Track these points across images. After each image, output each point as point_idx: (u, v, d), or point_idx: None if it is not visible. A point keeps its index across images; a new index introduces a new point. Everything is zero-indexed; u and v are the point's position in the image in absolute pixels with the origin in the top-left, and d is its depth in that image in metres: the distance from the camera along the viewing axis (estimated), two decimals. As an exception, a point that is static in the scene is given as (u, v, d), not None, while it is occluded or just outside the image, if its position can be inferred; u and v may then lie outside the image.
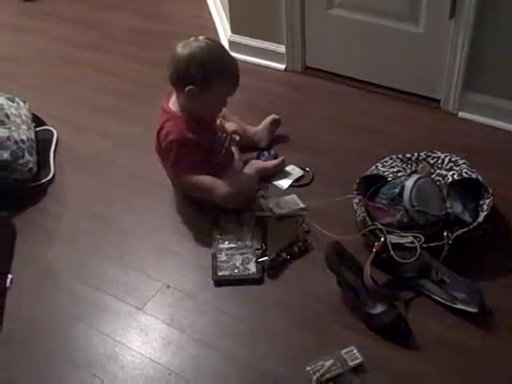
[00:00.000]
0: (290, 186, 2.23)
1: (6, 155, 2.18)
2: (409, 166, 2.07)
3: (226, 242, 2.04)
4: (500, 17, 2.16)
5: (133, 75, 2.87)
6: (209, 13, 3.22)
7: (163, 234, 2.11)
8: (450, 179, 1.97)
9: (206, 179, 2.05)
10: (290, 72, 2.79)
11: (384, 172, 2.04)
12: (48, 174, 2.35)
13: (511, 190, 2.09)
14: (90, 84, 2.85)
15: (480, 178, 1.94)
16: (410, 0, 2.34)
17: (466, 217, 1.91)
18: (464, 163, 2.00)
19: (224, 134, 2.15)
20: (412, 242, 1.82)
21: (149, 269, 2.00)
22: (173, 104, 2.04)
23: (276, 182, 2.25)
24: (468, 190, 1.96)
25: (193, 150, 2.01)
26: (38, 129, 2.50)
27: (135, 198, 2.24)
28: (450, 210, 1.90)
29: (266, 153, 2.35)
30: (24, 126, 2.34)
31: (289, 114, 2.53)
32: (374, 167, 2.07)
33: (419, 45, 2.42)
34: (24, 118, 2.39)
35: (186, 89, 1.92)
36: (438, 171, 2.04)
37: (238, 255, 2.00)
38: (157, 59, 2.88)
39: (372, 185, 2.02)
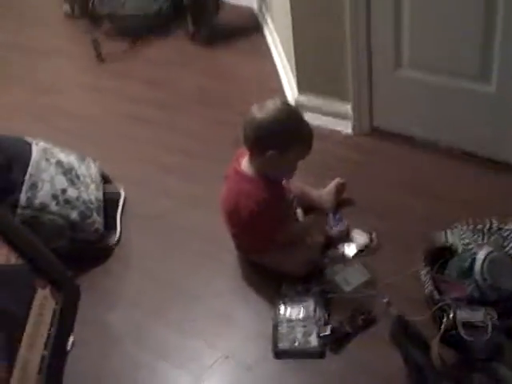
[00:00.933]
0: (356, 253, 2.18)
1: (74, 215, 2.23)
2: (479, 238, 1.97)
3: (288, 313, 1.99)
4: None
5: (200, 135, 2.91)
6: (275, 72, 3.24)
7: (226, 299, 2.09)
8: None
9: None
10: (356, 133, 2.75)
11: (453, 243, 1.95)
12: (114, 235, 2.38)
13: None
14: (158, 142, 2.90)
15: None
16: (482, 59, 2.26)
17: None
18: None
19: (292, 195, 2.15)
20: (483, 321, 1.73)
21: (209, 336, 1.97)
22: (245, 166, 2.03)
23: (342, 250, 2.19)
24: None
25: (277, 209, 2.01)
26: (106, 190, 2.54)
27: (200, 262, 2.24)
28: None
29: (331, 215, 2.30)
30: (93, 186, 2.40)
31: (354, 177, 2.48)
32: (443, 236, 1.98)
33: (492, 105, 2.34)
34: (93, 177, 2.45)
35: (268, 154, 1.91)
36: (510, 245, 1.94)
37: (299, 327, 1.94)
38: (223, 119, 2.93)
39: (440, 256, 1.94)
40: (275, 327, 1.95)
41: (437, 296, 1.81)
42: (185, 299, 2.11)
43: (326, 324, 1.92)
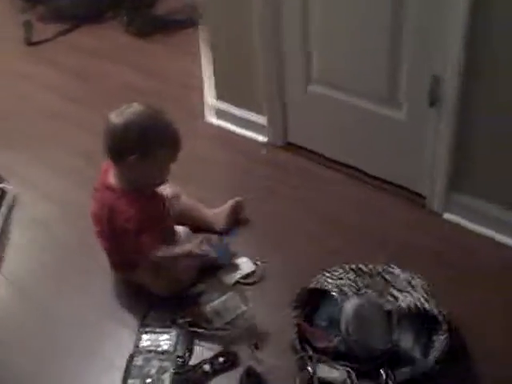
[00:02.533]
0: (237, 282, 2.02)
1: None
2: (361, 280, 1.82)
3: (148, 343, 1.83)
4: (482, 107, 1.92)
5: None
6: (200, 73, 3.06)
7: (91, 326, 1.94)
8: (403, 306, 1.69)
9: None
10: (271, 146, 2.59)
11: (329, 285, 1.80)
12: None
13: (485, 321, 1.81)
14: (61, 141, 2.74)
15: (435, 310, 1.66)
16: (388, 81, 2.10)
17: (417, 354, 1.65)
18: (422, 287, 1.73)
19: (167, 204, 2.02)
20: (344, 381, 1.58)
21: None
22: (114, 180, 1.88)
23: (222, 276, 2.03)
24: (423, 320, 1.70)
25: (151, 223, 1.85)
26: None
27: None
28: (397, 344, 1.64)
29: (218, 237, 2.07)
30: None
31: (260, 193, 2.34)
32: (320, 276, 1.82)
33: (402, 133, 2.18)
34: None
35: (128, 160, 1.78)
36: (391, 290, 1.77)
37: (156, 361, 1.78)
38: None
39: (314, 299, 1.78)
40: (131, 358, 1.79)
41: (297, 346, 1.67)
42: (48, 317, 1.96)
43: (184, 362, 1.77)
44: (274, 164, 2.52)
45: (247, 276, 2.03)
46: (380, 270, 1.82)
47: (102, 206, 1.89)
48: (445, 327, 1.63)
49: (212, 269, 2.03)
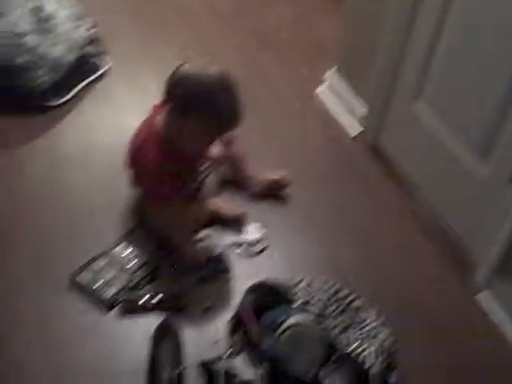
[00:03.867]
0: (234, 246, 1.94)
1: (20, 60, 2.19)
2: (332, 305, 1.66)
3: (123, 251, 1.85)
4: None
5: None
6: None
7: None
8: (348, 350, 1.53)
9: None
10: (357, 141, 2.41)
11: (300, 292, 1.66)
12: (59, 99, 2.32)
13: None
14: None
15: (375, 369, 1.48)
16: (486, 133, 1.83)
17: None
18: (383, 343, 1.55)
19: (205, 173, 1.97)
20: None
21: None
22: (160, 121, 1.80)
23: (224, 235, 1.96)
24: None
25: (169, 178, 1.79)
26: (87, 55, 2.46)
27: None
28: (321, 382, 1.50)
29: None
30: (62, 47, 2.30)
31: (316, 181, 2.22)
32: (298, 279, 1.70)
33: (479, 189, 1.91)
34: (73, 39, 2.35)
35: (170, 107, 1.73)
36: (352, 332, 1.61)
37: (114, 270, 1.80)
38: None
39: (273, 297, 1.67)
40: (96, 257, 1.82)
41: (230, 327, 1.60)
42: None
43: (134, 288, 1.77)
44: (350, 159, 2.35)
45: (250, 243, 1.94)
46: (359, 305, 1.66)
47: (137, 136, 1.86)
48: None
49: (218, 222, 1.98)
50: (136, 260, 1.83)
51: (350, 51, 2.45)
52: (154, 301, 1.72)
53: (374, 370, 1.47)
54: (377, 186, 2.24)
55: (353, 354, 1.51)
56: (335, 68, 2.55)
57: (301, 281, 1.70)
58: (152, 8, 2.97)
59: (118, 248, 1.86)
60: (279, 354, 1.49)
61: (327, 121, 2.50)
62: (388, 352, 1.53)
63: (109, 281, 1.77)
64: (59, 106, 2.32)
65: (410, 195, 2.19)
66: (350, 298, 1.66)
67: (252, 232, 1.98)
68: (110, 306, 1.72)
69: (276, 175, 2.11)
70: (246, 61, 2.72)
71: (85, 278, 1.77)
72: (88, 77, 2.42)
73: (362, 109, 2.39)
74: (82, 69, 2.42)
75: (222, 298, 1.77)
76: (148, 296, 1.73)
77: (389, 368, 1.51)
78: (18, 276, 1.79)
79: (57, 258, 1.85)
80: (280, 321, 1.55)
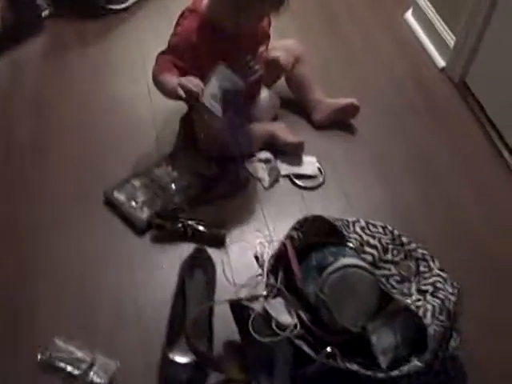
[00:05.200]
0: (288, 177, 1.74)
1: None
2: (392, 252, 1.44)
3: (160, 171, 1.68)
4: None
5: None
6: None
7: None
8: (406, 305, 1.31)
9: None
10: (444, 75, 2.12)
11: (353, 234, 1.44)
12: (121, 3, 2.14)
13: None
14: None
15: (432, 331, 1.24)
16: None
17: (382, 361, 1.28)
18: (443, 303, 1.30)
19: (253, 64, 1.68)
20: (286, 326, 1.29)
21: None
22: (204, 3, 1.61)
23: (279, 163, 1.76)
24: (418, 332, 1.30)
25: (192, 59, 1.58)
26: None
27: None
28: (368, 335, 1.29)
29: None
30: None
31: (389, 113, 1.96)
32: (352, 221, 1.47)
33: None
34: None
35: None
36: (416, 281, 1.38)
37: (150, 191, 1.63)
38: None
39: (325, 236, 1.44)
40: (134, 175, 1.66)
41: (269, 264, 1.40)
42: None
43: (171, 212, 1.59)
44: (433, 92, 2.06)
45: (304, 177, 1.74)
46: (420, 256, 1.42)
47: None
48: (428, 357, 1.24)
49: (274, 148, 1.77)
50: (176, 183, 1.66)
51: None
52: (190, 229, 1.55)
53: (434, 331, 1.25)
54: (459, 126, 1.96)
55: (410, 308, 1.29)
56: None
57: (357, 221, 1.47)
58: None
59: (157, 169, 1.69)
60: (324, 297, 1.29)
61: (414, 48, 2.21)
62: (451, 312, 1.30)
63: (145, 201, 1.61)
64: (119, 11, 2.15)
65: (496, 141, 1.91)
66: (411, 246, 1.42)
67: (308, 165, 1.77)
68: (143, 228, 1.57)
69: (346, 100, 1.86)
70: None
71: (121, 195, 1.61)
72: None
73: (451, 40, 2.08)
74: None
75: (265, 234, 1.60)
76: (185, 223, 1.57)
77: (451, 331, 1.29)
78: (55, 185, 1.67)
79: (95, 171, 1.70)
80: (329, 261, 1.34)
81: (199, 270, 1.42)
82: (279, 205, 1.67)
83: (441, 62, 2.12)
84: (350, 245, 1.40)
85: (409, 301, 1.32)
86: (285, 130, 1.79)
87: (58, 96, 1.89)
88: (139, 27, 2.14)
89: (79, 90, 1.92)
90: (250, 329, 1.28)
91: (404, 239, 1.45)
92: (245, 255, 1.54)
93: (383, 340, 1.30)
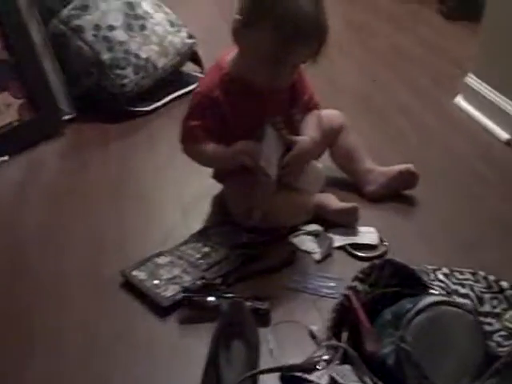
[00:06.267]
0: (343, 248, 1.43)
1: (106, 56, 1.95)
2: (491, 301, 1.08)
3: (190, 250, 1.40)
4: None
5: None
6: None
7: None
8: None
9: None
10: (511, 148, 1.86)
11: (436, 282, 1.10)
12: (149, 105, 2.03)
13: None
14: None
15: None
16: None
17: None
18: None
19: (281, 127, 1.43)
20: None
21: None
22: (230, 56, 1.46)
23: (331, 233, 1.46)
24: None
25: (217, 116, 1.42)
26: (183, 68, 2.22)
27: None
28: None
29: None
30: (157, 48, 2.05)
31: (458, 188, 1.68)
32: (435, 267, 1.13)
33: None
34: (169, 43, 2.09)
35: (233, 20, 1.35)
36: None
37: (178, 269, 1.35)
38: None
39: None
40: (157, 254, 1.39)
41: (329, 331, 1.05)
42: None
43: (208, 285, 1.28)
44: (502, 165, 1.79)
45: (365, 247, 1.42)
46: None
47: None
48: None
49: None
50: (207, 259, 1.37)
51: (490, 52, 1.99)
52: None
53: None
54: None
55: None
56: (472, 74, 2.07)
57: (438, 269, 1.14)
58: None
59: (185, 246, 1.42)
60: (408, 347, 0.93)
61: (471, 127, 1.99)
62: None
63: (171, 278, 1.32)
64: (145, 113, 2.03)
65: None
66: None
67: (366, 234, 1.47)
68: (168, 307, 1.26)
69: (401, 166, 1.60)
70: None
71: (141, 273, 1.33)
72: (181, 88, 2.12)
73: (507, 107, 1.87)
74: (176, 78, 2.16)
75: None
76: (219, 296, 1.25)
77: None
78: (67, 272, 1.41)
79: (113, 254, 1.44)
80: (409, 308, 1.00)
81: (238, 339, 1.08)
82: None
83: (504, 135, 1.89)
84: (434, 292, 1.06)
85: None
86: (334, 199, 1.52)
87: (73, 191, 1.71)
88: (165, 127, 1.99)
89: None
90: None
91: (504, 284, 1.10)
92: (295, 334, 1.20)
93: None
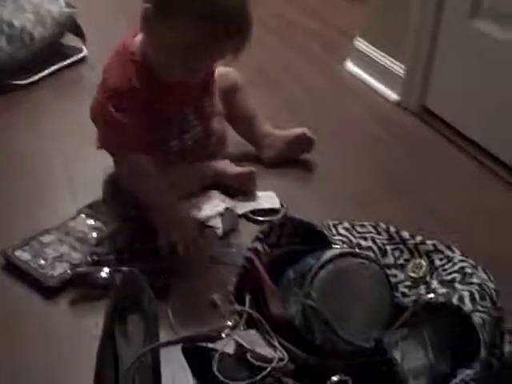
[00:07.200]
0: (246, 215, 1.37)
1: None
2: (393, 251, 1.07)
3: (77, 225, 1.29)
4: None
5: None
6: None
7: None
8: (440, 294, 0.92)
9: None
10: (401, 108, 1.89)
11: (337, 236, 1.07)
12: (25, 79, 1.87)
13: None
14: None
15: (477, 317, 0.85)
16: None
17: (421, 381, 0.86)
18: (482, 284, 0.93)
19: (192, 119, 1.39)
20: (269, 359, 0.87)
21: None
22: (137, 39, 1.31)
23: (228, 202, 1.40)
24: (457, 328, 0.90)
25: (139, 108, 1.27)
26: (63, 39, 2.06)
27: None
28: (386, 352, 0.87)
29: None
30: (31, 16, 1.89)
31: (351, 148, 1.68)
32: (336, 222, 1.11)
33: None
34: (45, 13, 1.93)
35: (144, 7, 1.21)
36: (429, 279, 1.00)
37: (66, 246, 1.23)
38: None
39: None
40: (43, 232, 1.26)
41: (231, 295, 0.99)
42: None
43: (99, 261, 1.19)
44: (392, 128, 1.80)
45: (264, 212, 1.38)
46: (431, 248, 1.06)
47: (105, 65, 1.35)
48: (483, 355, 0.82)
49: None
50: (96, 233, 1.27)
51: (377, 15, 2.00)
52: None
53: (480, 318, 0.85)
54: (430, 148, 1.71)
55: (438, 302, 0.90)
56: (360, 37, 2.07)
57: (339, 223, 1.11)
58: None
59: (72, 222, 1.30)
60: (314, 304, 0.89)
61: (362, 90, 2.01)
62: (494, 300, 0.91)
63: (58, 256, 1.21)
64: (23, 86, 1.85)
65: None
66: (416, 240, 1.06)
67: (266, 198, 1.42)
68: (57, 287, 1.15)
69: (297, 131, 1.56)
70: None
71: (25, 253, 1.21)
72: (61, 61, 1.97)
73: (400, 70, 1.89)
74: (56, 50, 2.00)
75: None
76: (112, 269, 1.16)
77: (497, 322, 0.90)
78: None
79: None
80: (312, 264, 0.96)
81: (134, 313, 1.00)
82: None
83: (395, 95, 1.91)
84: (336, 246, 1.03)
85: (432, 295, 0.93)
86: (231, 164, 1.46)
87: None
88: (46, 101, 1.85)
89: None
90: (217, 373, 0.86)
91: (405, 234, 1.09)
92: (197, 306, 1.13)
93: (411, 357, 0.89)
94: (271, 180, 1.50)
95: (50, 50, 1.99)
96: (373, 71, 2.00)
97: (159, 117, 1.33)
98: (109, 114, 1.26)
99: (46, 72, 1.92)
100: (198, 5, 1.18)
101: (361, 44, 2.06)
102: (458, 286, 0.92)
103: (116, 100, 1.26)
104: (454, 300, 0.87)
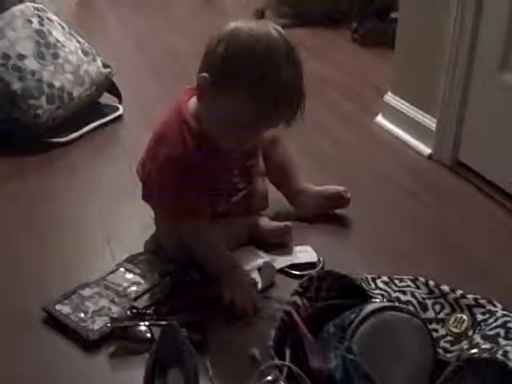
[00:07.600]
0: (283, 269, 1.37)
1: (17, 86, 1.84)
2: (433, 305, 1.06)
3: (116, 279, 1.31)
4: None
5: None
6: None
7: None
8: (483, 350, 0.90)
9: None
10: (434, 162, 1.89)
11: (376, 290, 1.07)
12: (67, 136, 1.93)
13: None
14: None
15: None
16: None
17: None
18: None
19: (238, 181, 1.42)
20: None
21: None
22: (193, 106, 1.32)
23: (266, 257, 1.40)
24: None
25: (196, 174, 1.28)
26: (99, 97, 2.14)
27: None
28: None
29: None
30: (71, 77, 1.97)
31: (384, 202, 1.69)
32: (373, 276, 1.11)
33: None
34: (83, 73, 2.01)
35: (199, 77, 1.23)
36: (472, 334, 0.98)
37: (104, 300, 1.25)
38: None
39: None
40: (81, 286, 1.28)
41: (272, 350, 0.98)
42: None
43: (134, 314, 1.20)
44: (423, 182, 1.81)
45: (303, 266, 1.37)
46: (472, 302, 1.05)
47: (157, 125, 1.36)
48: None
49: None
50: (135, 287, 1.28)
51: (407, 70, 2.04)
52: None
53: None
54: (463, 202, 1.70)
55: (482, 358, 0.88)
56: (390, 92, 2.11)
57: (378, 277, 1.11)
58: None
59: (111, 275, 1.32)
60: (354, 358, 0.88)
61: (394, 144, 2.02)
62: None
63: (98, 310, 1.22)
64: (62, 144, 1.92)
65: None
66: (457, 294, 1.06)
67: (302, 253, 1.43)
68: (96, 340, 1.16)
69: (336, 187, 1.57)
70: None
71: (66, 307, 1.23)
72: (98, 119, 2.04)
73: (432, 123, 1.91)
74: (93, 109, 2.08)
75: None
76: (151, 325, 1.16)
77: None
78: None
79: (33, 288, 1.32)
80: (350, 319, 0.96)
81: (174, 367, 1.00)
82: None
83: (427, 149, 1.92)
84: (376, 300, 1.02)
85: (475, 350, 0.92)
86: (266, 219, 1.48)
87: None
88: (83, 157, 1.91)
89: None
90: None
91: (445, 288, 1.08)
92: (236, 360, 1.13)
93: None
94: (307, 235, 1.50)
95: (88, 109, 2.06)
96: (404, 125, 2.02)
97: (210, 182, 1.35)
98: (170, 177, 1.27)
99: (84, 130, 1.98)
100: (259, 83, 1.17)
101: (391, 99, 2.09)
102: (501, 341, 0.91)
103: (178, 163, 1.26)
104: (499, 356, 0.86)
